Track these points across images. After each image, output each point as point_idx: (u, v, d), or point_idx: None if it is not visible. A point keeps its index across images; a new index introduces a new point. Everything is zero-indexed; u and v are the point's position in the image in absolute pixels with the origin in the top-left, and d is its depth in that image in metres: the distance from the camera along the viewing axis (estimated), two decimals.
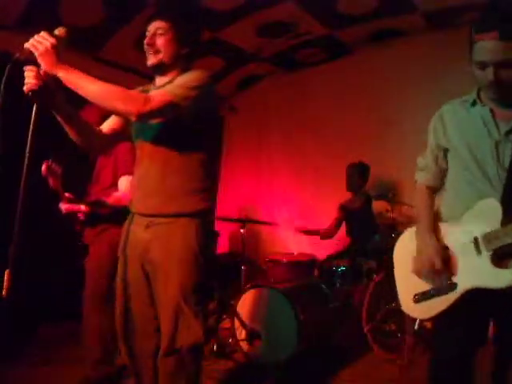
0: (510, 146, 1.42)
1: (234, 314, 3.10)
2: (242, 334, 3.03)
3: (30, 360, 2.82)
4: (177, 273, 1.65)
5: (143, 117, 1.53)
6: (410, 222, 3.91)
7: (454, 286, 1.45)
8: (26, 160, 1.40)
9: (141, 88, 1.83)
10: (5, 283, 1.29)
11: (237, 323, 3.07)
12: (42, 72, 1.45)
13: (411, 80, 4.12)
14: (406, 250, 1.67)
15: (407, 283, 1.62)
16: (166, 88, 1.60)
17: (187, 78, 1.64)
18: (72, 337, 2.88)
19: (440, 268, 1.48)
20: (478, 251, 1.41)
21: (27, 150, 1.40)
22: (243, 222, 3.57)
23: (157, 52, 1.69)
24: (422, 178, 1.72)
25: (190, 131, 1.69)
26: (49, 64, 1.43)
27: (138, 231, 1.74)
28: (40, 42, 1.43)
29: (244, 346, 3.01)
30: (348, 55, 4.62)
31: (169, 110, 1.56)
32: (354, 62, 4.60)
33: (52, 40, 1.44)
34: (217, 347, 3.14)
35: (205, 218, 1.73)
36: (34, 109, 1.45)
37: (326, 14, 3.86)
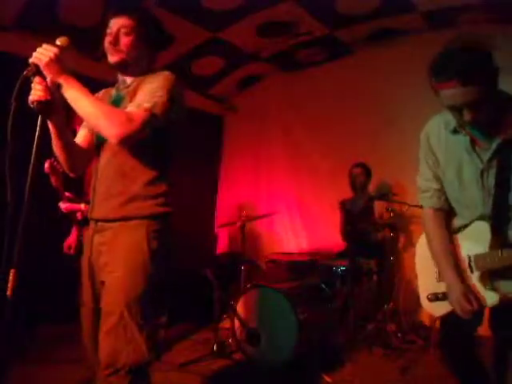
0: (494, 172, 1.45)
1: (234, 313, 3.10)
2: (241, 334, 3.03)
3: (29, 360, 2.82)
4: (122, 279, 1.52)
5: (125, 141, 1.48)
6: (410, 222, 3.95)
7: None
8: (31, 170, 1.40)
9: (102, 92, 1.80)
10: (10, 283, 1.28)
11: (237, 323, 3.08)
12: (49, 84, 1.46)
13: (411, 80, 4.09)
14: (425, 250, 1.70)
15: (425, 282, 1.72)
16: (142, 103, 1.53)
17: (158, 84, 1.57)
18: (71, 337, 2.88)
19: (470, 309, 1.48)
20: (471, 269, 1.52)
21: (32, 159, 1.41)
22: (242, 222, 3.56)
23: (120, 51, 1.64)
24: (428, 201, 1.68)
25: (154, 139, 1.60)
26: (53, 73, 1.44)
27: (90, 238, 1.68)
28: (43, 54, 1.43)
29: (244, 345, 3.02)
30: (348, 55, 4.62)
31: (149, 126, 1.51)
32: (354, 62, 4.60)
33: (55, 49, 1.44)
34: (217, 347, 3.14)
35: (160, 222, 1.62)
36: (39, 121, 1.46)
37: (326, 13, 3.85)
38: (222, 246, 5.29)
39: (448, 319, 1.62)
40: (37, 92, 1.45)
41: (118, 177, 1.62)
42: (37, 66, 1.43)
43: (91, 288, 1.65)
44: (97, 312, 1.61)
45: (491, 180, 1.46)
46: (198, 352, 3.16)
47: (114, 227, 1.60)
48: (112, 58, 1.65)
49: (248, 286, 3.14)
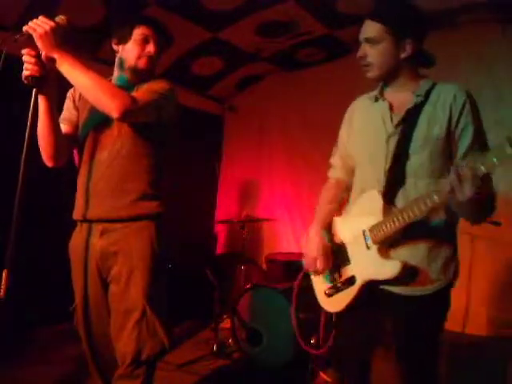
0: (397, 139, 1.42)
1: (234, 313, 3.10)
2: (241, 334, 3.03)
3: (30, 360, 2.82)
4: (141, 278, 1.59)
5: (128, 114, 1.48)
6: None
7: (353, 280, 1.48)
8: (25, 149, 1.38)
9: None
10: (3, 283, 1.27)
11: (237, 323, 3.08)
12: (43, 57, 1.43)
13: None
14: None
15: (320, 280, 1.67)
16: (145, 91, 1.61)
17: (159, 85, 1.66)
18: (71, 337, 2.88)
19: (319, 265, 1.57)
20: (367, 245, 1.43)
21: (26, 140, 1.38)
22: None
23: (151, 59, 1.71)
24: (333, 173, 1.83)
25: (152, 138, 1.67)
26: (47, 46, 1.41)
27: (90, 239, 1.65)
28: (39, 25, 1.40)
29: (244, 345, 3.01)
30: (348, 55, 4.62)
31: (150, 113, 1.58)
32: (354, 62, 4.55)
33: (52, 23, 1.42)
34: (217, 347, 3.14)
35: (161, 222, 1.69)
36: (33, 96, 1.44)
37: (326, 13, 3.85)
38: (221, 245, 5.29)
39: (338, 342, 1.65)
40: (30, 66, 1.43)
41: (124, 176, 1.63)
42: (30, 36, 1.40)
43: (84, 288, 1.66)
44: (86, 312, 1.66)
45: (392, 147, 1.43)
46: (198, 352, 3.16)
47: (122, 228, 1.62)
48: (144, 66, 1.71)
49: (248, 285, 3.14)
